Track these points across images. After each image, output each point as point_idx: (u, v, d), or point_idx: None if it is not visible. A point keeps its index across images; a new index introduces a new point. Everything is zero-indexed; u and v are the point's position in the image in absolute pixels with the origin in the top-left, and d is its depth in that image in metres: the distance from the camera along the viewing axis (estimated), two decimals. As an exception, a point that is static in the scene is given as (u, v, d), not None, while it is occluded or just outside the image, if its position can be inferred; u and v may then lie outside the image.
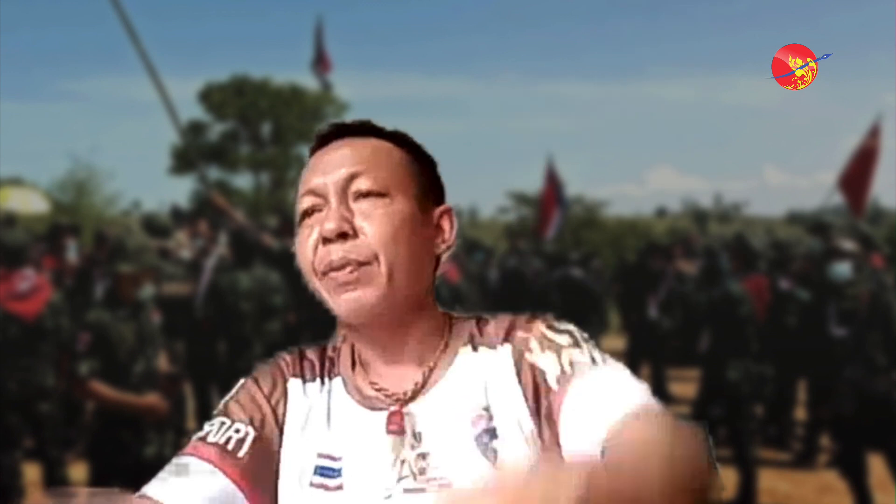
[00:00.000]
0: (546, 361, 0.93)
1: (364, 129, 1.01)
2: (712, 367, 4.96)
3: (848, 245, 5.28)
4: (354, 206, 0.95)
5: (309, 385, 1.00)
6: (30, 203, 16.28)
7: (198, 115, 24.44)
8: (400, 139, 1.01)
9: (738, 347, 4.83)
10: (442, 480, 0.91)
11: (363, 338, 0.99)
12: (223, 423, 0.95)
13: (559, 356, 0.93)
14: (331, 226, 0.93)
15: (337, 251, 0.93)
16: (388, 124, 1.01)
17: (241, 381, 1.01)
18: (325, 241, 0.93)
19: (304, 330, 5.02)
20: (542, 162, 10.12)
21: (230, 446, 0.93)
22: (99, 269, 5.26)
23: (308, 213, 0.97)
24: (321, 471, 0.94)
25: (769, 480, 5.23)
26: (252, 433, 0.94)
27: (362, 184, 0.95)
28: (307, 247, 0.95)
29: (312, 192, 0.96)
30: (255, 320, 4.85)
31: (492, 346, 0.98)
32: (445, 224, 1.01)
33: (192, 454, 0.93)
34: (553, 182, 9.98)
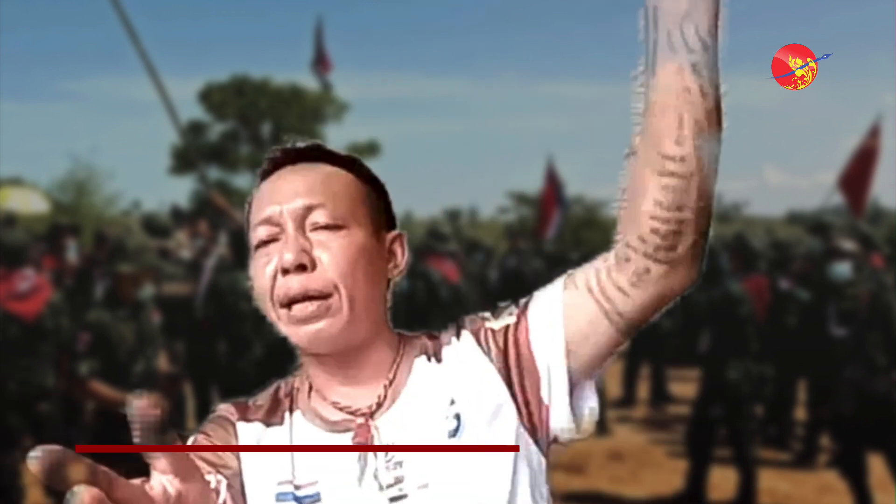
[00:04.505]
0: (503, 316, 1.01)
1: (316, 154, 1.02)
2: (712, 367, 4.96)
3: (848, 245, 5.27)
4: (312, 236, 0.96)
5: (258, 425, 0.99)
6: (30, 203, 16.26)
7: (198, 115, 24.43)
8: (352, 165, 1.02)
9: (738, 347, 4.83)
10: (420, 482, 0.93)
11: (322, 363, 1.00)
12: None
13: (513, 307, 1.01)
14: (290, 256, 0.94)
15: (296, 283, 0.94)
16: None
17: (192, 437, 1.00)
18: (285, 271, 0.95)
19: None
20: (542, 162, 10.14)
21: None
22: (99, 269, 5.25)
23: (265, 242, 0.98)
24: (297, 499, 0.93)
25: (769, 480, 5.23)
26: (223, 479, 0.92)
27: (319, 217, 0.96)
28: (265, 276, 0.97)
29: (268, 222, 0.97)
30: (255, 320, 4.80)
31: (450, 344, 1.01)
32: (398, 250, 1.03)
33: None
34: (553, 182, 9.99)
